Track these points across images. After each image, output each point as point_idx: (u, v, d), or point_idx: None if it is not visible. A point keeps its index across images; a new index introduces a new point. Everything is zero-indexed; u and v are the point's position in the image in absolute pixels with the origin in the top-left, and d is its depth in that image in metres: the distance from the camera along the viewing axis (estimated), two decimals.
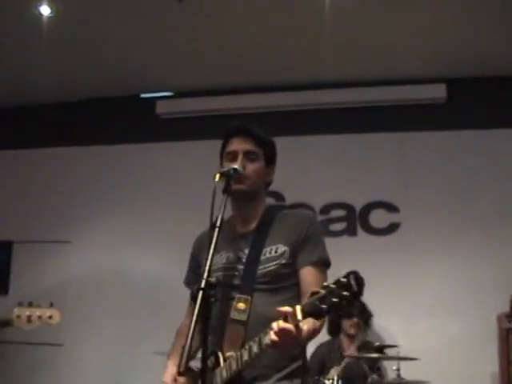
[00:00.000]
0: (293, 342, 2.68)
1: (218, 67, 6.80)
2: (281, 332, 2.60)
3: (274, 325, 2.62)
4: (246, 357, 2.80)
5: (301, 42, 6.30)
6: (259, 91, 7.03)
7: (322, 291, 2.48)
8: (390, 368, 5.71)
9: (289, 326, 2.59)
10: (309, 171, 6.73)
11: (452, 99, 6.81)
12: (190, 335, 2.53)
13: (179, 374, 2.55)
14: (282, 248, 3.08)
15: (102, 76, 7.13)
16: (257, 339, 2.74)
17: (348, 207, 6.77)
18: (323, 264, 3.12)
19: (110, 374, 6.76)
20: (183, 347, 2.52)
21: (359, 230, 6.78)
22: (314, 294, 2.52)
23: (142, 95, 7.54)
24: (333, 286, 2.45)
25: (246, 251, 3.12)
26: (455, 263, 6.47)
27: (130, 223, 7.11)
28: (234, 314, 3.00)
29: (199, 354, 2.74)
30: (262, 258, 3.06)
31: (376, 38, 6.21)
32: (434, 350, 5.98)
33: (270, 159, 3.26)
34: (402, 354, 5.36)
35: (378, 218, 6.73)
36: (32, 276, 7.05)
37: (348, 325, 5.95)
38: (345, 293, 2.41)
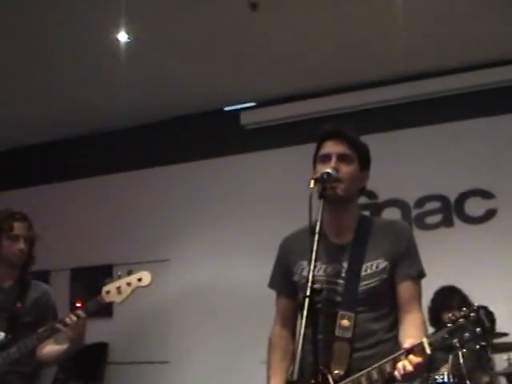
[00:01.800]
0: (419, 374, 2.69)
1: (297, 73, 6.80)
2: (411, 367, 2.58)
3: (406, 363, 2.60)
4: (364, 383, 2.77)
5: (376, 38, 6.25)
6: (340, 92, 7.00)
7: (450, 325, 2.47)
8: (498, 357, 5.59)
9: (420, 360, 2.58)
10: (399, 166, 6.66)
11: None
12: (300, 344, 2.53)
13: (292, 383, 2.56)
14: (382, 264, 3.03)
15: (183, 94, 7.22)
16: (377, 367, 2.72)
17: (442, 198, 6.66)
18: (420, 277, 3.09)
19: None
20: (294, 354, 2.53)
21: (456, 221, 6.64)
22: (440, 327, 2.51)
23: (226, 108, 7.59)
24: (462, 320, 2.47)
25: (345, 265, 3.07)
26: None
27: (225, 236, 7.17)
28: (338, 332, 2.98)
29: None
30: (363, 273, 3.02)
31: (453, 24, 6.10)
32: None
33: (364, 163, 3.18)
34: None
35: (474, 207, 6.57)
36: (134, 297, 7.16)
37: (448, 317, 5.83)
38: (477, 329, 2.43)
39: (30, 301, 4.30)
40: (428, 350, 2.54)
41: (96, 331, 7.04)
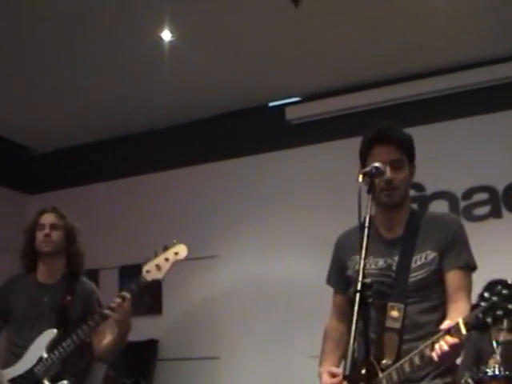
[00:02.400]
0: (456, 355, 2.71)
1: (341, 66, 6.79)
2: (447, 348, 2.60)
3: (442, 343, 2.62)
4: (407, 369, 2.79)
5: (422, 29, 6.21)
6: (387, 84, 6.96)
7: (484, 304, 2.47)
8: None
9: (456, 341, 2.58)
10: (446, 158, 6.60)
11: None
12: (352, 339, 2.55)
13: (345, 377, 2.58)
14: (431, 254, 3.05)
15: (227, 91, 7.24)
16: (418, 352, 2.74)
17: (490, 189, 6.58)
18: (470, 269, 3.07)
19: (267, 382, 6.83)
20: (347, 350, 2.55)
21: (504, 212, 6.56)
22: (474, 307, 2.51)
23: (270, 104, 7.59)
24: (495, 298, 2.44)
25: (396, 259, 3.10)
26: None
27: (273, 231, 7.17)
28: (388, 323, 3.01)
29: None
30: (413, 265, 3.05)
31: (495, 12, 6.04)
32: None
33: (412, 157, 3.19)
34: None
35: None
36: (183, 293, 7.22)
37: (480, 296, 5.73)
38: (510, 306, 2.41)
39: (78, 295, 4.36)
40: (463, 331, 2.55)
41: (146, 328, 7.16)
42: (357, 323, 2.58)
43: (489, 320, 2.44)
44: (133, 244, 7.66)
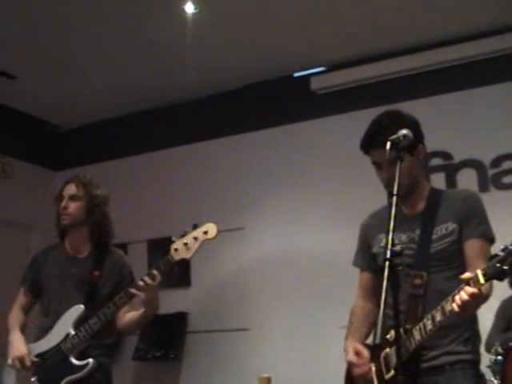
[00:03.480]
0: (476, 306, 2.85)
1: (366, 34, 6.70)
2: (466, 297, 2.69)
3: (462, 293, 2.71)
4: (429, 326, 2.91)
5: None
6: (413, 52, 6.87)
7: (501, 253, 2.51)
8: None
9: (474, 290, 2.66)
10: (474, 126, 6.50)
11: None
12: (382, 308, 2.57)
13: (376, 346, 2.63)
14: (451, 226, 3.16)
15: (251, 62, 7.19)
16: (439, 308, 2.85)
17: None
18: (488, 239, 3.17)
19: (296, 352, 6.85)
20: (378, 319, 2.56)
21: None
22: (492, 257, 2.56)
23: (295, 74, 7.54)
24: (511, 247, 2.52)
25: (418, 232, 3.21)
26: None
27: (299, 204, 7.15)
28: (410, 290, 3.11)
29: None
30: (434, 237, 3.16)
31: None
32: None
33: (416, 141, 3.14)
34: None
35: None
36: (211, 266, 7.24)
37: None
38: None
39: (106, 269, 4.35)
40: (482, 280, 2.63)
41: (175, 301, 7.20)
42: (386, 293, 2.60)
43: (506, 267, 2.51)
44: (160, 218, 7.69)
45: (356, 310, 3.49)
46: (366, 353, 3.21)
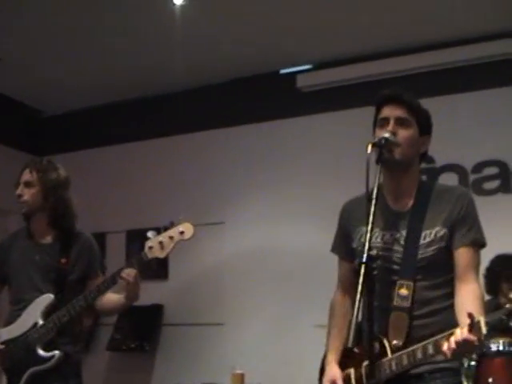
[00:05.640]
0: (471, 351, 2.69)
1: (353, 34, 6.71)
2: (463, 343, 2.58)
3: (458, 333, 2.59)
4: (419, 356, 2.78)
5: (433, 3, 6.14)
6: (399, 54, 6.89)
7: (509, 305, 2.49)
8: None
9: (473, 338, 2.55)
10: (457, 131, 6.53)
11: None
12: (355, 311, 2.55)
13: (348, 350, 2.59)
14: (441, 231, 3.02)
15: (239, 57, 7.17)
16: (433, 341, 2.73)
17: (500, 164, 6.52)
18: (479, 246, 3.06)
19: (271, 349, 6.85)
20: (350, 323, 2.55)
21: None
22: (498, 306, 2.51)
23: (282, 71, 7.54)
24: None
25: (404, 233, 3.07)
26: None
27: (281, 200, 7.15)
28: (397, 301, 2.98)
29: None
30: (422, 241, 3.02)
31: None
32: None
33: (424, 128, 3.16)
34: None
35: None
36: (189, 259, 7.22)
37: (507, 289, 5.72)
38: None
39: (74, 255, 4.25)
40: (484, 330, 2.52)
41: (151, 293, 7.19)
42: (361, 296, 2.57)
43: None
44: (141, 209, 7.67)
45: (336, 308, 3.37)
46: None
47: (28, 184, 4.26)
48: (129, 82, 7.73)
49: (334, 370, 3.17)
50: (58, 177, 4.32)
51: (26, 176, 4.28)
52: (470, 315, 2.57)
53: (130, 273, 3.94)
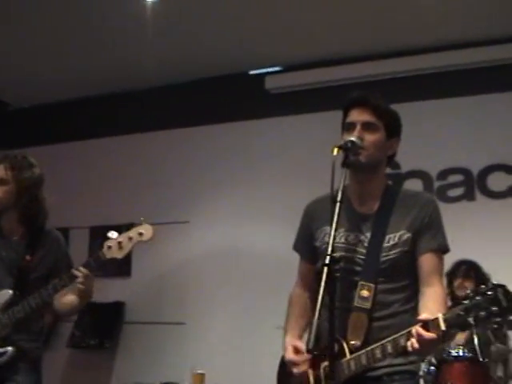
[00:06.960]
0: (432, 349, 2.71)
1: (323, 38, 6.74)
2: (423, 341, 2.61)
3: (414, 332, 2.63)
4: (378, 355, 2.80)
5: (402, 6, 6.18)
6: (366, 59, 6.92)
7: (466, 302, 2.48)
8: None
9: (432, 336, 2.59)
10: (423, 137, 6.57)
11: None
12: (317, 312, 2.55)
13: (308, 351, 2.58)
14: (405, 235, 3.04)
15: (209, 56, 7.16)
16: (391, 340, 2.76)
17: (465, 172, 6.59)
18: (443, 251, 3.09)
19: (232, 350, 6.85)
20: (311, 324, 2.54)
21: (478, 195, 6.55)
22: (456, 303, 2.51)
23: (251, 72, 7.54)
24: (478, 298, 2.46)
25: (368, 235, 3.08)
26: None
27: (245, 201, 7.17)
28: (357, 302, 2.99)
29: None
30: (385, 244, 3.03)
31: None
32: None
33: (392, 131, 3.16)
34: None
35: (497, 181, 6.48)
36: (153, 258, 7.20)
37: (456, 285, 5.74)
38: (494, 308, 2.42)
39: (40, 253, 4.21)
40: (443, 327, 2.55)
41: (113, 290, 7.16)
42: (323, 297, 2.57)
43: (470, 320, 2.45)
44: (105, 205, 7.65)
45: (294, 299, 3.39)
46: (303, 348, 3.12)
47: (1, 181, 4.17)
48: (100, 78, 7.69)
49: (293, 339, 3.21)
50: (32, 175, 4.25)
51: (0, 173, 4.18)
52: (426, 317, 2.64)
53: (81, 271, 3.90)
